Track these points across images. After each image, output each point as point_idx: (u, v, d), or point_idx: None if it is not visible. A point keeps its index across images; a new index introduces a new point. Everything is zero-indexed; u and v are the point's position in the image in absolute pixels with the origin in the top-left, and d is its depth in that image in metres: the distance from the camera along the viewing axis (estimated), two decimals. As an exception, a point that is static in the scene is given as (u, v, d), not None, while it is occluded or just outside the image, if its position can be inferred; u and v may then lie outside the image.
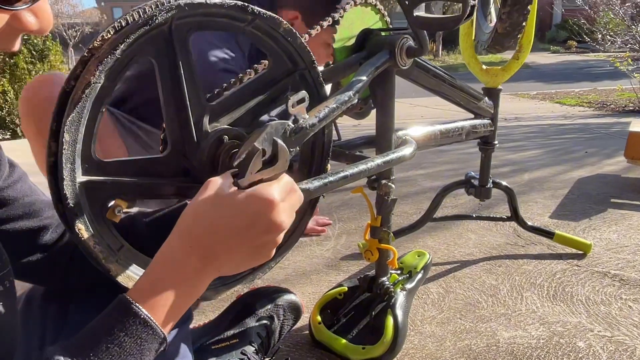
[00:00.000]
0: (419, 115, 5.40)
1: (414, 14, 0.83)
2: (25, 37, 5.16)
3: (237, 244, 0.53)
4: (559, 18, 18.94)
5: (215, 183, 0.55)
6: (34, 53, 5.15)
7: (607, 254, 1.56)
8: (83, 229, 0.62)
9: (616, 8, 6.36)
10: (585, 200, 2.10)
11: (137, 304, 0.49)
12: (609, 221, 1.84)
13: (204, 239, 0.52)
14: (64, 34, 20.12)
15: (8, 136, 4.98)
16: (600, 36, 6.60)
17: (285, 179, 0.57)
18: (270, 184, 0.54)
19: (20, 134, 5.05)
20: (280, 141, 0.57)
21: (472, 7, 0.77)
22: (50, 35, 5.53)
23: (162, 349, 0.51)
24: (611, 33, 6.65)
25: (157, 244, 0.75)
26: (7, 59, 4.97)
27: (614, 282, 1.37)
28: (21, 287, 0.72)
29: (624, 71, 6.24)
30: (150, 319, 0.49)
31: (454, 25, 0.81)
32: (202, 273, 0.53)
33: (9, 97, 4.89)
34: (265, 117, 0.81)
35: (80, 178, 0.63)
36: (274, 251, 0.56)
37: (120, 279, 0.67)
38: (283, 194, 0.55)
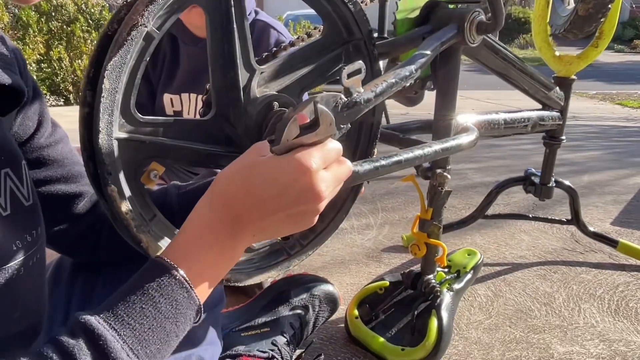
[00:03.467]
0: (470, 108, 5.20)
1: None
2: (82, 6, 5.26)
3: (271, 211, 0.47)
4: (627, 15, 17.80)
5: (256, 148, 0.50)
6: (90, 22, 5.24)
7: (678, 269, 1.41)
8: (115, 192, 0.57)
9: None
10: (652, 209, 1.93)
11: (174, 264, 0.45)
12: (679, 233, 1.68)
13: (237, 202, 0.47)
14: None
15: (61, 102, 5.10)
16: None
17: (330, 145, 0.49)
18: (308, 150, 0.47)
19: (72, 101, 5.19)
20: (321, 105, 0.49)
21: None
22: (107, 5, 5.61)
23: (197, 319, 0.47)
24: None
25: None
26: (64, 26, 5.08)
27: (686, 301, 1.23)
28: (50, 254, 0.68)
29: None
30: (187, 281, 0.45)
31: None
32: (236, 236, 0.48)
33: (64, 65, 4.99)
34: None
35: (117, 134, 0.57)
36: (315, 219, 0.50)
37: (151, 251, 0.61)
38: (324, 161, 0.48)
